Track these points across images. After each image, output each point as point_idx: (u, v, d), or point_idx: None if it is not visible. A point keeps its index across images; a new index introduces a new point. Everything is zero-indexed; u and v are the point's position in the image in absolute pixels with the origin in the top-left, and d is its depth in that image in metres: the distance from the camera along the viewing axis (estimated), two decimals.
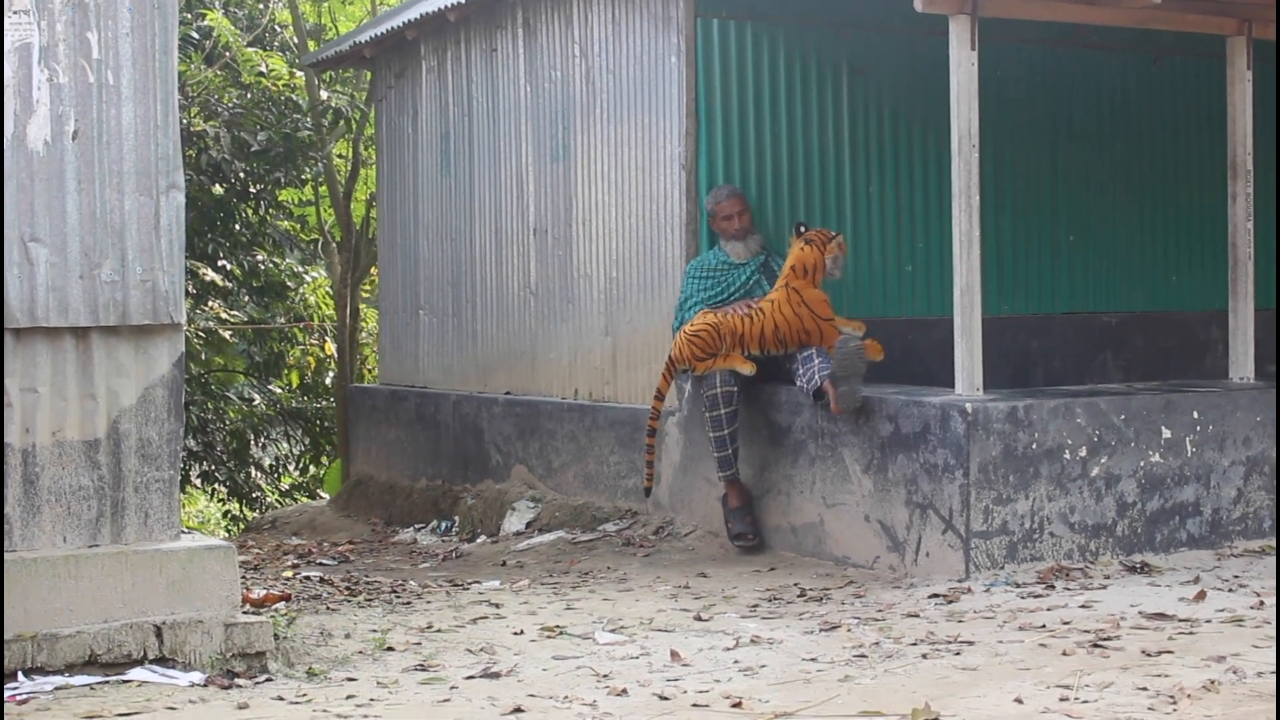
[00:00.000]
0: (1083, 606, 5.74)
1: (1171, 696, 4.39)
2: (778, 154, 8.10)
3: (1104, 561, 6.58)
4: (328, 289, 15.04)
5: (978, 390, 6.66)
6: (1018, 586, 6.15)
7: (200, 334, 13.64)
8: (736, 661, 5.10)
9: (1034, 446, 6.53)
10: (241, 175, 12.77)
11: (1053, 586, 6.14)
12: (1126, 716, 4.22)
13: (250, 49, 12.65)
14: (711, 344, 7.32)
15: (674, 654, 5.21)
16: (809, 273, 7.34)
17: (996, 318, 8.32)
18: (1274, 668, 4.68)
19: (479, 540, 8.71)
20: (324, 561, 8.54)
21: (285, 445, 15.61)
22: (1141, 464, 6.72)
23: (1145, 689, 4.50)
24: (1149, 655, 4.94)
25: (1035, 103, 8.91)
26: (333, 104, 13.00)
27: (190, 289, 12.85)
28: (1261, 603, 5.71)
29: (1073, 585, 6.16)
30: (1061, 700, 4.42)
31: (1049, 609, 5.72)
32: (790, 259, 7.38)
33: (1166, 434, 6.78)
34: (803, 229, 7.45)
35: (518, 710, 4.51)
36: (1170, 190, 9.31)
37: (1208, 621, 5.42)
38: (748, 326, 7.31)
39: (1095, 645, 5.11)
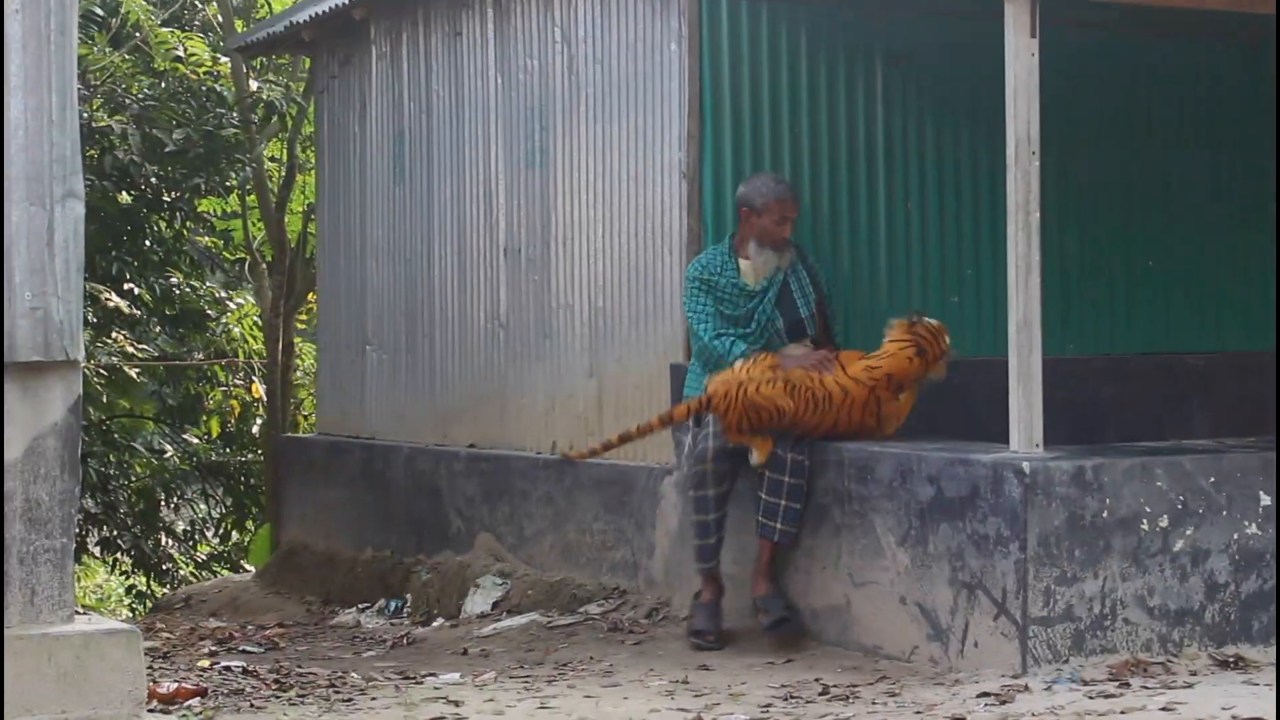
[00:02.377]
0: (1164, 709, 5.73)
1: None
2: (798, 161, 8.12)
3: (1190, 654, 6.57)
4: (256, 319, 15.03)
5: (1037, 446, 6.66)
6: (1085, 684, 6.14)
7: (102, 372, 13.62)
8: None
9: (1105, 515, 6.52)
10: (154, 181, 12.77)
11: (1128, 684, 6.13)
12: None
13: (165, 29, 12.68)
14: (773, 421, 7.14)
15: None
16: (902, 387, 7.28)
17: (1060, 359, 8.32)
18: None
19: (435, 624, 8.69)
20: (248, 649, 8.51)
21: (203, 507, 15.57)
22: (1235, 537, 6.71)
23: None
24: None
25: (1108, 101, 8.93)
26: (264, 96, 13.02)
27: (90, 318, 12.84)
28: None
29: (1152, 683, 6.15)
30: None
31: (1123, 712, 5.71)
32: (890, 362, 7.24)
33: (1265, 501, 6.77)
34: (915, 321, 7.32)
35: None
36: (1270, 206, 9.32)
37: None
38: (809, 415, 7.15)
39: None
